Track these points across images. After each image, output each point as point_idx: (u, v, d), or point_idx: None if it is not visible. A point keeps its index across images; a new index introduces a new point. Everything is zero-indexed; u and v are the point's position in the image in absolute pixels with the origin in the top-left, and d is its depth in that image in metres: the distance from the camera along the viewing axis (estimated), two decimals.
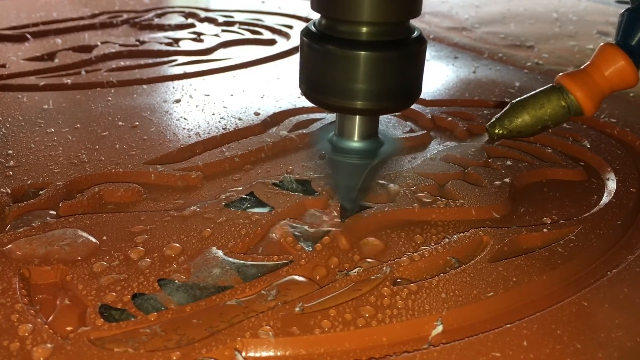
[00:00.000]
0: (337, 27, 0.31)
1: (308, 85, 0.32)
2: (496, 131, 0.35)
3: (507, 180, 0.39)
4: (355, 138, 0.33)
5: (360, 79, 0.30)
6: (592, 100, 0.34)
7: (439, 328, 0.26)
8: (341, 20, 0.30)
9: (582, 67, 0.35)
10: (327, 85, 0.31)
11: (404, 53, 0.30)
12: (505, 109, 0.35)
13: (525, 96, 0.35)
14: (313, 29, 0.32)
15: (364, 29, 0.30)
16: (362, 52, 0.29)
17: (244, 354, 0.25)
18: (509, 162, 0.41)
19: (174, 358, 0.24)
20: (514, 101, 0.35)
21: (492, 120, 0.36)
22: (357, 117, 0.32)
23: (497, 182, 0.39)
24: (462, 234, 0.33)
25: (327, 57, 0.30)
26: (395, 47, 0.30)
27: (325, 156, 0.37)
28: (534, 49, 0.72)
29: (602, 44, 0.35)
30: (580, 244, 0.33)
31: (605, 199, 0.38)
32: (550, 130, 0.36)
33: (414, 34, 0.31)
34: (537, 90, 0.35)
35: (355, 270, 0.30)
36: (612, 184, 0.40)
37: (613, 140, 0.46)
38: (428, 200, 0.36)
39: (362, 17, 0.29)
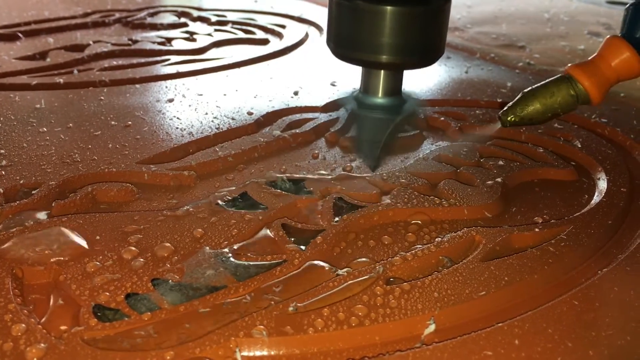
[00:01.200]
0: None
1: (336, 41, 0.33)
2: (509, 118, 0.37)
3: (499, 180, 0.39)
4: (380, 94, 0.34)
5: (386, 34, 0.31)
6: (599, 90, 0.36)
7: (432, 327, 0.27)
8: None
9: (590, 58, 0.37)
10: (354, 40, 0.32)
11: (429, 9, 0.31)
12: (517, 97, 0.37)
13: (536, 85, 0.37)
14: None
15: None
16: (388, 7, 0.31)
17: (237, 352, 0.25)
18: (500, 162, 0.42)
19: (168, 358, 0.24)
20: (525, 90, 0.37)
21: (504, 109, 0.37)
22: (382, 73, 0.33)
23: (489, 182, 0.39)
24: (454, 234, 0.33)
25: (354, 13, 0.31)
26: (420, 2, 0.31)
27: (350, 111, 0.38)
28: (526, 49, 0.73)
29: (608, 36, 0.37)
30: (571, 243, 0.33)
31: (596, 199, 0.38)
32: (559, 118, 0.38)
33: None
34: (547, 80, 0.37)
35: (345, 270, 0.30)
36: (602, 184, 0.40)
37: (604, 140, 0.47)
38: (421, 200, 0.36)
39: None
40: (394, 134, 0.34)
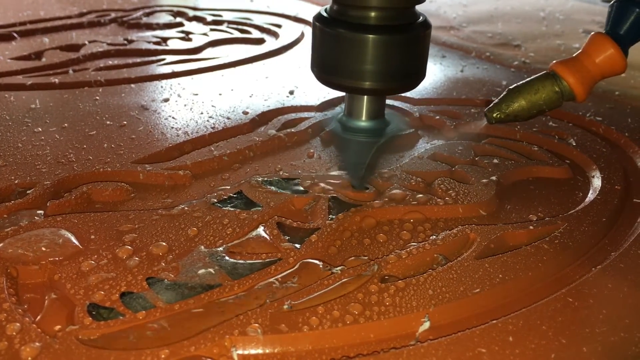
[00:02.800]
0: (347, 12, 0.33)
1: (320, 67, 0.34)
2: (494, 115, 0.37)
3: (493, 178, 0.39)
4: (364, 118, 0.35)
5: (369, 61, 0.32)
6: (584, 86, 0.36)
7: (426, 324, 0.27)
8: (351, 5, 0.32)
9: (574, 55, 0.37)
10: (337, 66, 0.33)
11: (410, 37, 0.32)
12: (502, 94, 0.37)
13: (521, 82, 0.37)
14: (324, 14, 0.33)
15: (373, 14, 0.32)
16: (371, 35, 0.32)
17: (232, 350, 0.25)
18: (495, 160, 0.42)
19: (163, 356, 0.24)
20: (510, 87, 0.37)
21: (490, 105, 0.37)
22: (365, 97, 0.34)
23: (484, 180, 0.39)
24: (449, 232, 0.34)
25: (337, 40, 0.32)
26: (401, 31, 0.32)
27: (335, 135, 0.39)
28: (521, 47, 0.73)
29: (592, 33, 0.37)
30: (565, 241, 0.33)
31: (590, 197, 0.38)
32: (545, 114, 0.38)
33: (419, 19, 0.33)
34: (532, 77, 0.37)
35: (340, 268, 0.30)
36: (597, 182, 0.40)
37: (598, 138, 0.47)
38: (416, 198, 0.36)
39: (371, 3, 0.32)
40: (377, 155, 0.35)
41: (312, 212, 0.35)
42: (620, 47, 0.36)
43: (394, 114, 0.45)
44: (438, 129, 0.48)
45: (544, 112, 0.37)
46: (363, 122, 0.35)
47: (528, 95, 0.37)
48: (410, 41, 0.32)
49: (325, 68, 0.34)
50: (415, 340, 0.26)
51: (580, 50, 0.37)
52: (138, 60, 0.63)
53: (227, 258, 0.31)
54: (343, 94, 0.40)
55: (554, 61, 0.37)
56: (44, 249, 0.30)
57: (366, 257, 0.31)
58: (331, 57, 0.33)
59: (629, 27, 0.36)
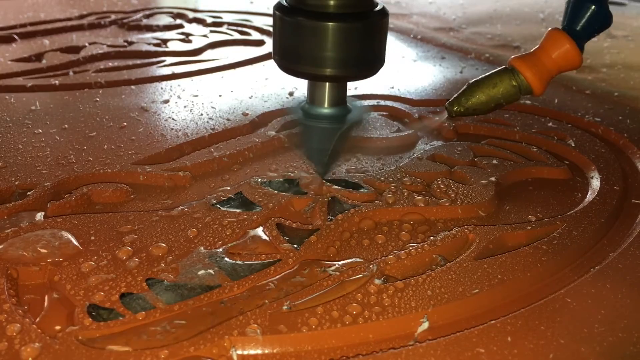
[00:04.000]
0: (306, 1, 0.33)
1: (281, 55, 0.35)
2: (454, 108, 0.38)
3: (492, 179, 0.39)
4: (325, 105, 0.35)
5: (328, 48, 0.33)
6: (541, 81, 0.37)
7: (425, 325, 0.27)
8: None
9: (531, 50, 0.37)
10: (298, 54, 0.34)
11: (368, 24, 0.33)
12: (463, 88, 0.38)
13: (480, 77, 0.38)
14: (284, 3, 0.35)
15: (331, 2, 0.33)
16: (330, 23, 0.32)
17: (231, 351, 0.25)
18: (494, 161, 0.42)
19: (162, 356, 0.24)
20: (470, 81, 0.38)
21: (451, 99, 0.38)
22: (327, 84, 0.35)
23: (483, 181, 0.39)
24: (448, 232, 0.34)
25: (297, 28, 0.33)
26: (359, 18, 0.33)
27: (298, 123, 0.40)
28: (521, 49, 0.73)
29: (549, 29, 0.37)
30: (564, 242, 0.33)
31: (589, 197, 0.38)
32: (503, 108, 0.39)
33: (377, 7, 0.34)
34: (491, 72, 0.38)
35: (334, 267, 0.30)
36: (596, 182, 0.40)
37: (597, 139, 0.47)
38: (415, 199, 0.37)
39: None
40: (340, 141, 0.36)
41: (312, 213, 0.35)
42: (576, 43, 0.37)
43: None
44: (437, 130, 0.48)
45: (502, 106, 0.38)
46: (325, 109, 0.36)
47: (487, 89, 0.38)
48: (368, 28, 0.33)
49: (286, 56, 0.35)
50: (414, 340, 0.26)
51: (537, 46, 0.38)
52: (138, 61, 0.63)
53: (226, 259, 0.31)
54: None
55: (512, 56, 0.38)
56: (44, 250, 0.30)
57: (365, 258, 0.31)
58: (292, 46, 0.34)
59: (585, 23, 0.37)
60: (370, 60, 0.34)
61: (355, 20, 0.33)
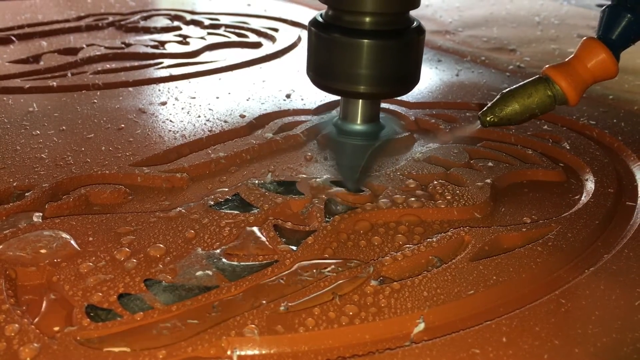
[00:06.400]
0: (342, 17, 0.33)
1: (315, 71, 0.34)
2: (488, 118, 0.37)
3: (488, 181, 0.40)
4: (359, 121, 0.35)
5: (363, 65, 0.33)
6: (576, 90, 0.37)
7: (421, 326, 0.27)
8: (346, 10, 0.32)
9: (566, 59, 0.37)
10: (332, 71, 0.34)
11: (404, 42, 0.33)
12: (496, 98, 0.37)
13: (514, 86, 0.38)
14: (320, 19, 0.34)
15: (367, 19, 0.33)
16: (365, 40, 0.32)
17: (228, 352, 0.25)
18: (490, 164, 0.42)
19: (160, 357, 0.24)
20: (504, 91, 0.38)
21: (484, 109, 0.38)
22: (360, 101, 0.34)
23: (479, 183, 0.39)
24: (444, 234, 0.34)
25: (333, 45, 0.33)
26: (395, 36, 0.33)
27: (330, 139, 0.39)
28: (516, 52, 0.73)
29: (585, 38, 0.37)
30: (558, 243, 0.33)
31: (583, 199, 0.39)
32: (537, 118, 0.39)
33: (413, 25, 0.33)
34: (525, 81, 0.38)
35: (330, 268, 0.30)
36: (590, 185, 0.40)
37: (592, 141, 0.47)
38: (411, 200, 0.37)
39: (366, 8, 0.32)
40: (372, 158, 0.36)
41: (309, 214, 0.35)
42: (611, 52, 0.36)
43: (389, 118, 0.46)
44: (433, 133, 0.48)
45: (537, 115, 0.38)
46: (358, 125, 0.36)
47: (521, 99, 0.37)
48: (404, 46, 0.33)
49: (320, 72, 0.34)
50: (410, 341, 0.26)
51: (572, 55, 0.38)
52: (136, 63, 0.64)
53: (224, 260, 0.31)
54: (339, 97, 0.40)
55: (547, 65, 0.38)
56: (42, 250, 0.30)
57: (362, 259, 0.31)
58: (326, 62, 0.34)
59: (621, 32, 0.37)
60: (404, 78, 0.34)
61: (390, 37, 0.33)
